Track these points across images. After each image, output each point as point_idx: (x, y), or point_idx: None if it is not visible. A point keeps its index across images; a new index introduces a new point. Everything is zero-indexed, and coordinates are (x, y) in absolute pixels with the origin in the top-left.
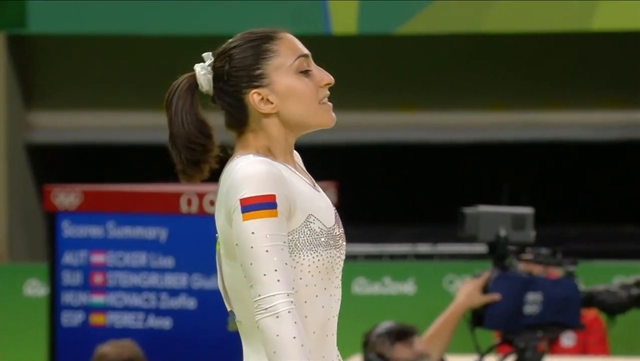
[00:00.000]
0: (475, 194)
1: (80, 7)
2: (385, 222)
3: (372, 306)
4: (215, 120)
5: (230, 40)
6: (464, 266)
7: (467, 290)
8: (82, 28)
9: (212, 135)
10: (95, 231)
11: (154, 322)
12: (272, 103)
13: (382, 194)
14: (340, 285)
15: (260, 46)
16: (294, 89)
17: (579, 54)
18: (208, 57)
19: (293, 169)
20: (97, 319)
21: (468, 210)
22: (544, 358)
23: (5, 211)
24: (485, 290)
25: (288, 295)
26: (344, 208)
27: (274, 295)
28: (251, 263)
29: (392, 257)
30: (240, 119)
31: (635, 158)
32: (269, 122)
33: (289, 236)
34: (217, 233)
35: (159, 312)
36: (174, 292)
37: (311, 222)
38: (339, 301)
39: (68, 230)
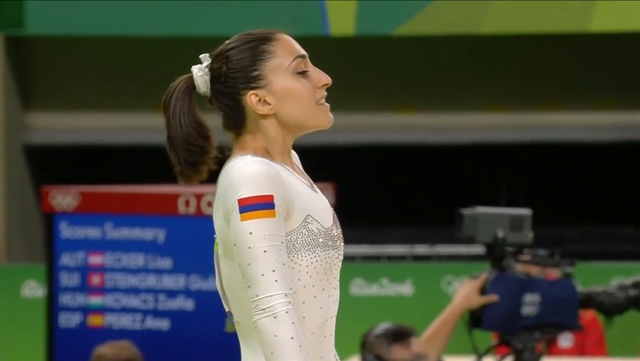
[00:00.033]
0: (473, 195)
1: (78, 8)
2: (383, 223)
3: (369, 307)
4: (213, 121)
5: (227, 41)
6: (462, 267)
7: (464, 291)
8: (79, 29)
9: (210, 137)
10: (92, 232)
11: (152, 323)
12: (269, 104)
13: (380, 195)
14: (339, 286)
15: (257, 47)
16: (292, 89)
17: (577, 55)
18: (205, 58)
19: (291, 170)
20: (94, 320)
21: (466, 211)
22: (541, 359)
23: (2, 212)
24: (483, 291)
25: (286, 295)
26: (341, 210)
27: (271, 295)
28: (249, 264)
29: (390, 258)
30: (237, 120)
31: (633, 160)
32: (266, 123)
33: (287, 237)
34: (215, 233)
35: (157, 313)
36: (171, 293)
37: (309, 223)
38: (337, 302)
39: (66, 231)
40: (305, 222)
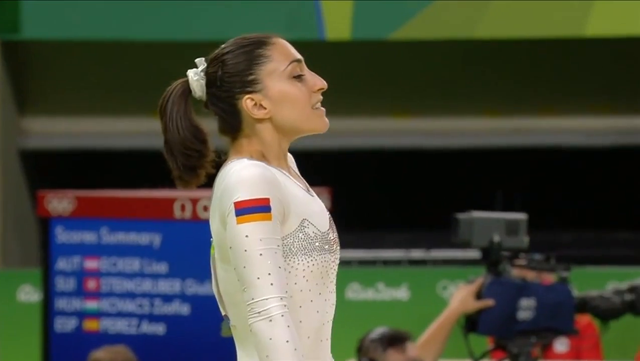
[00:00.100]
0: (469, 200)
1: (74, 12)
2: (378, 228)
3: (365, 312)
4: (209, 125)
5: (222, 45)
6: (458, 272)
7: (460, 296)
8: (76, 34)
9: (207, 141)
10: (88, 237)
11: (148, 328)
12: (265, 108)
13: (376, 200)
14: (335, 290)
15: (253, 51)
16: (287, 94)
17: (572, 60)
18: (201, 62)
19: (287, 174)
20: (90, 325)
21: (462, 216)
22: None
23: None
24: (479, 295)
25: (281, 298)
26: (337, 214)
27: (267, 299)
28: (244, 267)
29: (386, 262)
30: (233, 125)
31: (629, 164)
32: (262, 128)
33: (283, 240)
34: (211, 237)
35: (153, 318)
36: (167, 298)
37: (305, 227)
38: (334, 306)
39: (61, 235)
40: (302, 225)
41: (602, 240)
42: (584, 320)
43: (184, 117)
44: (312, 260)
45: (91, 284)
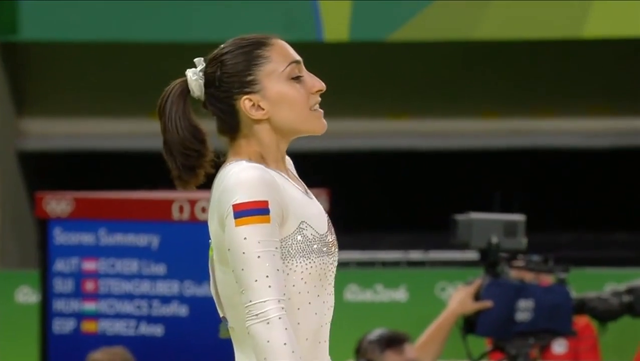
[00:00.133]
0: (467, 201)
1: (72, 14)
2: (377, 229)
3: (364, 313)
4: (208, 126)
5: (222, 45)
6: (456, 273)
7: (459, 297)
8: (74, 35)
9: (206, 140)
10: (86, 238)
11: (146, 329)
12: (263, 109)
13: (374, 201)
14: (333, 292)
15: (252, 52)
16: (286, 95)
17: (570, 61)
18: (200, 62)
19: (285, 176)
20: (88, 326)
21: (460, 217)
22: None
23: None
24: (477, 297)
25: (279, 301)
26: (336, 215)
27: (264, 301)
28: (243, 269)
29: (384, 264)
30: (231, 125)
31: (627, 166)
32: (260, 128)
33: (281, 243)
34: (210, 239)
35: (151, 319)
36: (165, 299)
37: (304, 229)
38: (332, 308)
39: (60, 237)
40: (300, 228)
41: (600, 241)
42: (582, 321)
43: (183, 117)
44: (310, 263)
45: (89, 285)
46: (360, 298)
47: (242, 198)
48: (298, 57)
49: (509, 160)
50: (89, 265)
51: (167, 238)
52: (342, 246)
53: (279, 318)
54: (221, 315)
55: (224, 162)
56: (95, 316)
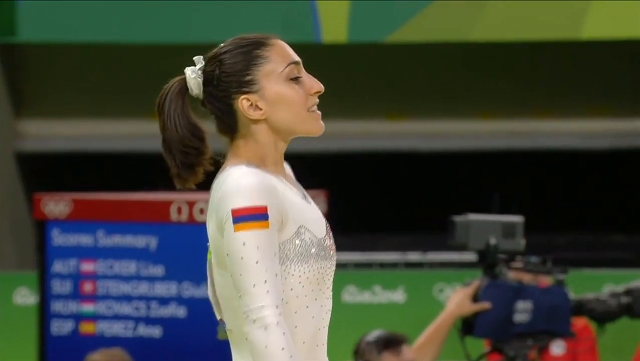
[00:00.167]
0: (465, 202)
1: (71, 15)
2: (375, 230)
3: (362, 314)
4: (208, 127)
5: (221, 44)
6: (454, 274)
7: (457, 299)
8: (72, 36)
9: (205, 138)
10: (85, 239)
11: (144, 331)
12: (261, 109)
13: (372, 202)
14: (331, 296)
15: (251, 52)
16: (284, 95)
17: (569, 63)
18: (199, 60)
19: (284, 180)
20: (86, 327)
21: (458, 219)
22: None
23: None
24: (476, 298)
25: (277, 306)
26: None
27: (262, 307)
28: (241, 274)
29: (382, 265)
30: (229, 125)
31: (625, 167)
32: (257, 129)
33: (280, 247)
34: (208, 242)
35: (149, 321)
36: (163, 301)
37: (302, 233)
38: (330, 312)
39: (58, 238)
40: (298, 232)
41: (598, 242)
42: (580, 322)
43: (182, 115)
44: (308, 267)
45: (87, 287)
46: (358, 299)
47: (241, 203)
48: (297, 58)
49: (507, 161)
50: (87, 267)
51: (165, 239)
52: (340, 247)
53: (277, 323)
54: (218, 318)
55: (223, 163)
56: (94, 317)
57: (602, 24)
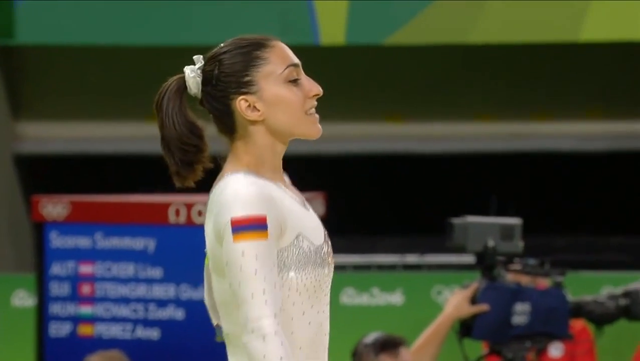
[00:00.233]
0: (463, 205)
1: (69, 17)
2: (373, 233)
3: (360, 316)
4: (208, 128)
5: (221, 44)
6: (452, 276)
7: (455, 301)
8: (70, 38)
9: (203, 136)
10: (83, 242)
11: (142, 333)
12: (258, 110)
13: (370, 204)
14: (329, 303)
15: (250, 53)
16: (282, 97)
17: (566, 65)
18: (198, 60)
19: (283, 187)
20: (85, 330)
21: (456, 221)
22: None
23: None
24: (474, 300)
25: (275, 316)
26: (331, 219)
27: (261, 316)
28: (240, 284)
29: (380, 267)
30: (227, 125)
31: (623, 169)
32: (255, 130)
33: (278, 254)
34: (205, 248)
35: (147, 323)
36: (162, 303)
37: (300, 241)
38: (328, 319)
39: (56, 240)
40: (297, 240)
41: (596, 244)
42: (578, 324)
43: (180, 113)
44: (305, 274)
45: (85, 289)
46: (356, 301)
47: (240, 213)
48: (297, 60)
49: (505, 163)
50: (85, 269)
51: (163, 241)
52: (338, 249)
53: (275, 333)
54: (214, 323)
55: (222, 164)
56: (92, 319)
57: (600, 26)
